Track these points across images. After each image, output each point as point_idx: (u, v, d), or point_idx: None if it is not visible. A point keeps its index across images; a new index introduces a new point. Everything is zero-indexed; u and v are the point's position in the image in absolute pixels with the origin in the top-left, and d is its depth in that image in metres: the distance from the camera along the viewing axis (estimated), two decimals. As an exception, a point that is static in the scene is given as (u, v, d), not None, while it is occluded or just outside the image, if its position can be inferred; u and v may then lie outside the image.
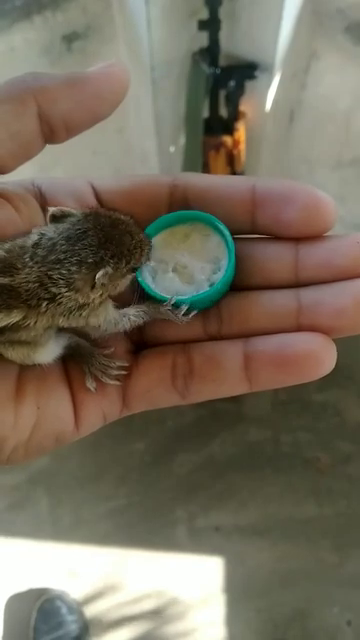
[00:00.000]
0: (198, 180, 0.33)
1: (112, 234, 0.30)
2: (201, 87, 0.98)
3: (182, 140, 1.08)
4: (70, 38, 0.94)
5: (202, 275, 0.33)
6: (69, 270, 0.29)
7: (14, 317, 0.30)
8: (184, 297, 0.32)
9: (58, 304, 0.30)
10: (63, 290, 0.29)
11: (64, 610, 1.23)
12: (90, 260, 0.29)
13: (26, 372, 0.33)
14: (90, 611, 1.26)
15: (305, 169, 1.19)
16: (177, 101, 1.03)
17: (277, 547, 1.32)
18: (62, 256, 0.29)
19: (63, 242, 0.30)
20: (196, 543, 1.33)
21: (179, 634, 1.23)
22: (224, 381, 0.31)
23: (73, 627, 1.21)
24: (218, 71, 0.95)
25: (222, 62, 0.96)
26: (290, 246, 0.31)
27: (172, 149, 1.11)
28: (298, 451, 1.44)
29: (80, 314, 0.31)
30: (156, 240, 0.34)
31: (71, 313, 0.31)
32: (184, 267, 0.34)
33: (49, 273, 0.29)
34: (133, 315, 0.33)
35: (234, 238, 0.32)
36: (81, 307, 0.31)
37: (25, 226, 0.32)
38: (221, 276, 0.32)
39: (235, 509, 1.37)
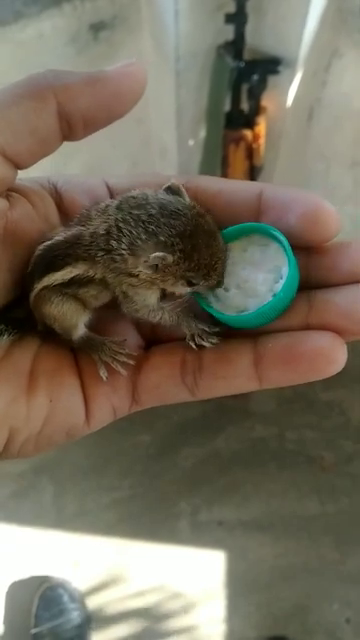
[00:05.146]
0: (209, 184, 0.33)
1: (198, 237, 0.30)
2: (224, 80, 0.99)
3: (202, 133, 1.09)
4: (97, 27, 0.95)
5: (264, 287, 0.32)
6: (140, 233, 0.30)
7: (77, 270, 0.31)
8: (247, 313, 0.31)
9: (112, 259, 0.30)
10: (123, 247, 0.30)
11: (66, 598, 1.22)
12: (162, 238, 0.30)
13: (38, 366, 0.33)
14: (92, 602, 1.26)
15: (321, 167, 1.19)
16: (199, 93, 1.04)
17: (279, 543, 1.33)
18: (145, 217, 0.30)
19: (155, 207, 0.30)
20: (199, 536, 1.33)
21: (179, 626, 1.23)
22: (234, 378, 0.31)
23: (74, 615, 1.21)
24: (242, 64, 0.96)
25: (246, 56, 0.97)
26: (302, 250, 0.32)
27: (191, 142, 1.12)
28: (302, 449, 1.45)
29: (126, 280, 0.32)
30: None
31: (119, 274, 0.31)
32: (245, 281, 0.33)
33: (120, 225, 0.30)
34: (167, 313, 0.33)
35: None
36: (129, 274, 0.31)
37: (40, 221, 0.33)
38: (282, 284, 0.31)
39: (238, 504, 1.37)
